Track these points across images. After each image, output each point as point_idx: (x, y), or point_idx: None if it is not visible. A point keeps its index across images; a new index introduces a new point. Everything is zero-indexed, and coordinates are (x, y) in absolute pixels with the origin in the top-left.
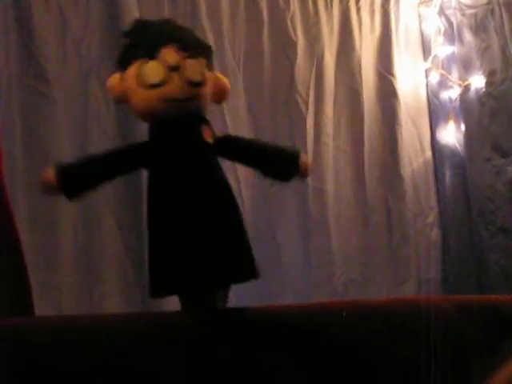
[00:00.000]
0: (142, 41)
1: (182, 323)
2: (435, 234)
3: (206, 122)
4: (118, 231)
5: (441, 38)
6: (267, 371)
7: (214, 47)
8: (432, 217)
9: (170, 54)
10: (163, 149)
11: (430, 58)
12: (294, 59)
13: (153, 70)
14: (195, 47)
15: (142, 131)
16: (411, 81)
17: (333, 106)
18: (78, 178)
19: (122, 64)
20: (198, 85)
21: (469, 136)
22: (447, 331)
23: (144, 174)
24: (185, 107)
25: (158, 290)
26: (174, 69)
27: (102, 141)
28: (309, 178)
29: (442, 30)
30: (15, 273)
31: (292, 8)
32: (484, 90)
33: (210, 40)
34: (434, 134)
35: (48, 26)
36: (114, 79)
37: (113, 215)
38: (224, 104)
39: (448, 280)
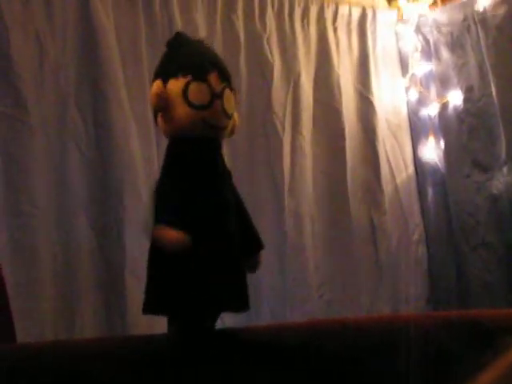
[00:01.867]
0: (191, 59)
1: (173, 346)
2: (421, 250)
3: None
4: (98, 257)
5: (418, 56)
6: None
7: None
8: (417, 234)
9: (216, 81)
10: (189, 170)
11: (408, 76)
12: (270, 80)
13: (201, 92)
14: (230, 78)
15: (120, 155)
16: (392, 98)
17: (312, 126)
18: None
19: (165, 73)
20: (230, 117)
21: (448, 153)
22: (429, 347)
23: (124, 196)
24: (216, 134)
25: (155, 306)
26: (218, 96)
27: (80, 166)
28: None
29: (419, 47)
30: None
31: (268, 29)
32: (462, 106)
33: None
34: (416, 151)
35: (25, 52)
36: (159, 87)
37: (93, 241)
38: None
39: (432, 296)
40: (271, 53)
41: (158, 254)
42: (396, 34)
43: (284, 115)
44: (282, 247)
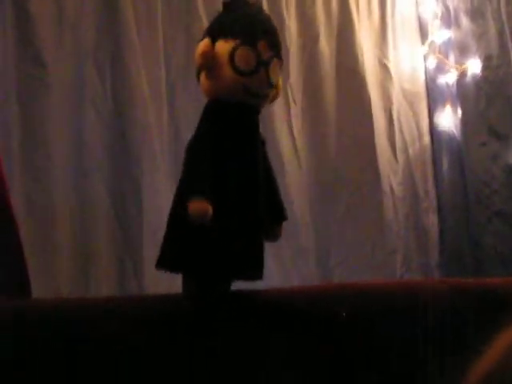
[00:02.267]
0: (244, 23)
1: (187, 306)
2: (432, 218)
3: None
4: (113, 215)
5: (438, 23)
6: (272, 352)
7: None
8: (427, 202)
9: (265, 49)
10: (225, 135)
11: (427, 43)
12: (289, 43)
13: (247, 58)
14: (280, 48)
15: (138, 115)
16: (409, 65)
17: (335, 90)
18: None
19: (215, 33)
20: (274, 87)
21: (465, 120)
22: (443, 312)
23: (141, 158)
24: (256, 102)
25: (171, 263)
26: (264, 64)
27: (98, 124)
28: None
29: (439, 14)
30: (12, 255)
31: None
32: (480, 74)
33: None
34: (432, 119)
35: (44, 10)
36: (207, 46)
37: (109, 199)
38: None
39: (445, 264)
40: (289, 14)
41: (179, 214)
42: (416, 0)
43: (300, 81)
44: (306, 212)
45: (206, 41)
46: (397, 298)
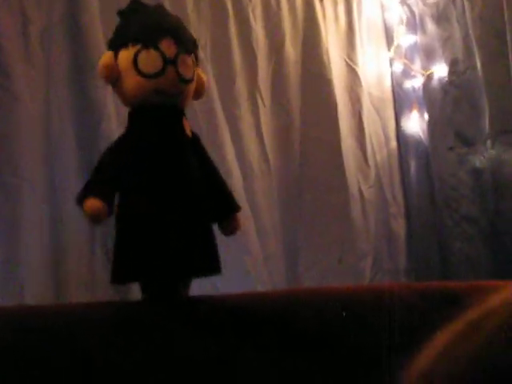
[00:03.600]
0: (142, 27)
1: (144, 312)
2: (400, 224)
3: (185, 116)
4: (84, 223)
5: (403, 28)
6: (234, 360)
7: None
8: (395, 207)
9: (168, 47)
10: (145, 136)
11: (393, 48)
12: (256, 50)
13: (151, 60)
14: (188, 42)
15: (105, 128)
16: (376, 70)
17: (301, 95)
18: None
19: (116, 44)
20: (188, 81)
21: (432, 125)
22: (409, 318)
23: None
24: (172, 101)
25: (121, 275)
26: (171, 62)
27: (64, 136)
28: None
29: (405, 19)
30: None
31: None
32: (447, 78)
33: None
34: (399, 124)
35: (10, 22)
36: (108, 58)
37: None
38: None
39: (412, 269)
40: (255, 22)
41: (121, 223)
42: (381, 5)
43: (267, 87)
44: (274, 217)
45: (107, 53)
46: (362, 302)
